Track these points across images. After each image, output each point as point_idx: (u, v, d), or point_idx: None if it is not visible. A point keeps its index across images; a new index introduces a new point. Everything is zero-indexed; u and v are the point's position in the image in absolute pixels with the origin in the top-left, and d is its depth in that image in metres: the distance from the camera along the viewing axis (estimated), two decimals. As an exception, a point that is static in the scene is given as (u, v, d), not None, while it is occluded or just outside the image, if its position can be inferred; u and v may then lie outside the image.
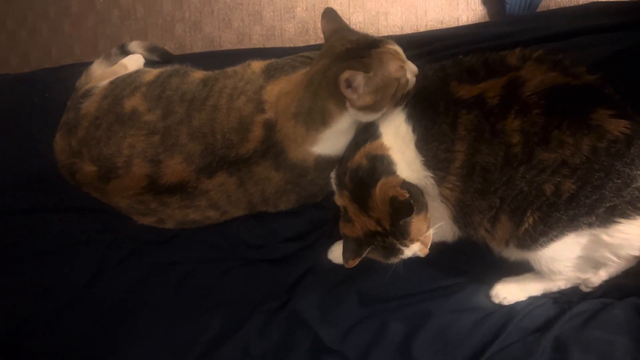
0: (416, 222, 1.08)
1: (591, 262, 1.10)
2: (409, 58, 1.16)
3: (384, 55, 1.11)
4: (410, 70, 1.14)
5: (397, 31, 1.94)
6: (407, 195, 1.05)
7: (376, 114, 1.14)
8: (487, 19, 1.87)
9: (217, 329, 1.31)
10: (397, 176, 1.11)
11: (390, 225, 1.09)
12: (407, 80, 1.13)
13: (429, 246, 1.13)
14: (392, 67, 1.10)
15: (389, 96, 1.11)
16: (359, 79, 1.06)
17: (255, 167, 1.23)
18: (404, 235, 1.09)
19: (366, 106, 1.11)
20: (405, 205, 1.04)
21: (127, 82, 1.38)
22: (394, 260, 1.13)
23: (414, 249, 1.11)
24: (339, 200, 1.18)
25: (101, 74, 1.50)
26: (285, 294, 1.32)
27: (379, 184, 1.09)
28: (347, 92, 1.07)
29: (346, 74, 1.04)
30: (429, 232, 1.12)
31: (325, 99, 1.13)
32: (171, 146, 1.26)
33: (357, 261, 1.13)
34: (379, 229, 1.10)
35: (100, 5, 2.51)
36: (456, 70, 1.14)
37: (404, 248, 1.10)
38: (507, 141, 1.03)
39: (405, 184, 1.08)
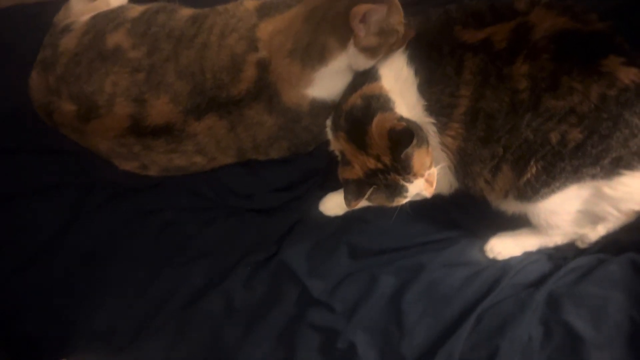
0: (418, 156, 1.05)
1: (591, 216, 1.08)
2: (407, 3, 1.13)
3: (394, 5, 1.08)
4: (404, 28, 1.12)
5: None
6: (405, 125, 1.01)
7: (371, 61, 1.12)
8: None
9: (200, 280, 1.25)
10: (395, 112, 1.07)
11: (391, 159, 1.05)
12: (401, 38, 1.10)
13: (434, 185, 1.10)
14: (397, 19, 1.08)
15: (388, 44, 1.09)
16: (380, 14, 1.02)
17: (247, 110, 1.18)
18: (406, 170, 1.05)
19: (368, 47, 1.08)
20: (405, 133, 1.01)
21: (110, 18, 1.29)
22: (399, 200, 1.10)
23: (418, 186, 1.08)
24: (335, 144, 1.14)
25: (81, 9, 1.40)
26: (273, 246, 1.27)
27: (375, 120, 1.06)
28: (359, 27, 1.03)
29: (367, 7, 1.00)
30: (432, 170, 1.09)
31: (328, 32, 1.08)
32: (157, 85, 1.19)
33: (359, 202, 1.09)
34: (380, 165, 1.06)
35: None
36: (461, 15, 1.10)
37: (407, 184, 1.07)
38: (513, 86, 1.00)
39: (403, 119, 1.05)
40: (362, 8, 1.00)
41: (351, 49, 1.08)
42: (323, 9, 1.08)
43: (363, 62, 1.11)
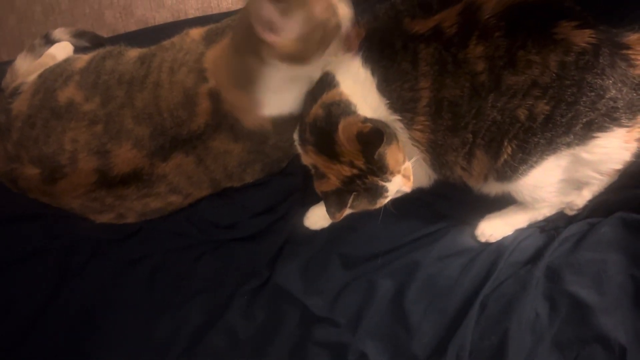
0: (391, 153, 1.03)
1: (573, 183, 1.08)
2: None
3: None
4: (343, 13, 1.01)
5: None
6: (371, 125, 0.99)
7: (305, 65, 1.02)
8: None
9: (199, 319, 1.23)
10: (358, 114, 1.05)
11: (365, 163, 1.03)
12: (338, 24, 1.00)
13: (412, 179, 1.09)
14: (317, 8, 0.96)
15: (315, 42, 0.98)
16: (269, 9, 0.91)
17: (211, 142, 1.15)
18: (382, 169, 1.03)
19: (290, 55, 0.98)
20: (373, 133, 0.98)
21: (58, 73, 1.26)
22: (382, 201, 1.08)
23: (397, 183, 1.06)
24: (306, 159, 1.12)
25: (27, 68, 1.37)
26: (265, 271, 1.25)
27: (341, 126, 1.03)
28: (269, 36, 0.94)
29: (251, 5, 0.91)
30: (407, 164, 1.07)
31: (247, 52, 1.02)
32: (117, 133, 1.16)
33: (343, 213, 1.08)
34: (355, 171, 1.04)
35: (20, 3, 2.33)
36: (407, 6, 1.08)
37: (387, 184, 1.05)
38: (472, 70, 0.98)
39: (367, 119, 1.03)
40: (250, 7, 0.92)
41: (272, 61, 1.00)
42: (239, 30, 1.04)
43: (298, 71, 1.04)
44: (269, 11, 0.92)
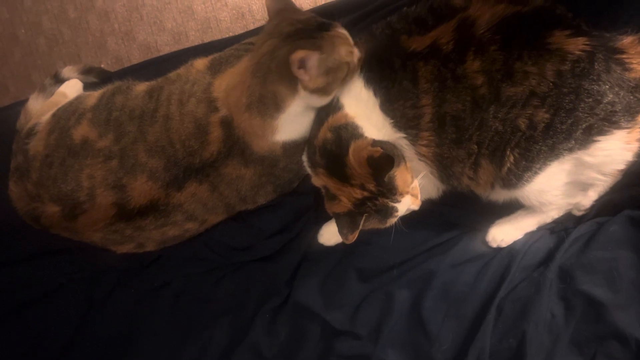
0: (400, 175, 1.06)
1: (578, 185, 1.09)
2: (351, 22, 1.11)
3: (335, 38, 1.08)
4: (356, 55, 1.10)
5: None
6: (382, 150, 1.02)
7: (327, 98, 1.11)
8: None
9: (224, 340, 1.27)
10: (366, 137, 1.08)
11: (375, 185, 1.06)
12: (355, 65, 1.10)
13: (419, 197, 1.11)
14: (343, 51, 1.07)
15: (339, 79, 1.08)
16: (314, 59, 1.02)
17: (223, 168, 1.18)
18: (392, 191, 1.06)
19: (318, 89, 1.07)
20: (384, 158, 1.01)
21: (70, 111, 1.30)
22: (392, 220, 1.11)
23: (406, 203, 1.09)
24: (317, 180, 1.15)
25: (40, 108, 1.41)
26: (284, 289, 1.28)
27: (351, 150, 1.06)
28: (300, 73, 1.03)
29: (300, 54, 0.99)
30: (414, 183, 1.10)
31: (276, 82, 1.08)
32: (132, 167, 1.20)
33: (356, 234, 1.10)
34: (366, 193, 1.07)
35: (24, 36, 2.38)
36: (403, 24, 1.11)
37: (396, 204, 1.08)
38: (471, 84, 1.00)
39: (376, 142, 1.06)
40: (297, 55, 1.00)
41: (302, 93, 1.07)
42: (267, 60, 1.08)
43: (319, 101, 1.11)
44: (314, 60, 1.02)
